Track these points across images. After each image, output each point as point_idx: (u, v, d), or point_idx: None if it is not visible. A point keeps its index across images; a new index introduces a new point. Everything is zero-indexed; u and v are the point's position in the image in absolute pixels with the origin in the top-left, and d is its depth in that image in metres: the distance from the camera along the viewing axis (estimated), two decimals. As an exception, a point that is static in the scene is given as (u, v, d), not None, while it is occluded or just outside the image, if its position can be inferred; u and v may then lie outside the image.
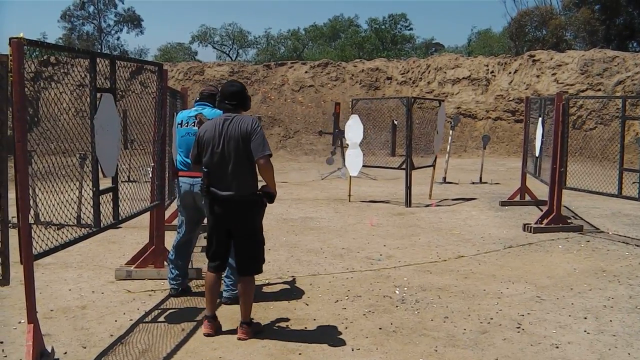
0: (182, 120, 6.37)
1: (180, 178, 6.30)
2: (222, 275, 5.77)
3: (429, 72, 30.12)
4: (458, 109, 27.91)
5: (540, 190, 12.55)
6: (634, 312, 6.09)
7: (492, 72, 28.88)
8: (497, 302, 6.37)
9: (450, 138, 17.57)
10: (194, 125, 6.23)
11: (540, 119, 11.50)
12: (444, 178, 16.95)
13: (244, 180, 5.13)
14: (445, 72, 29.66)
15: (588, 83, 25.32)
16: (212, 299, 5.43)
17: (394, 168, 13.84)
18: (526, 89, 26.69)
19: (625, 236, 9.85)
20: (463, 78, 29.12)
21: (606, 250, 8.88)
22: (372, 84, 30.59)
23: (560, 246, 9.05)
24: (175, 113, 7.25)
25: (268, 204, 5.27)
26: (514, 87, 27.44)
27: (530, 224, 10.22)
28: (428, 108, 24.59)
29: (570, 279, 7.32)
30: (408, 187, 12.82)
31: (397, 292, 6.70)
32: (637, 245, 9.16)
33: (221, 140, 5.12)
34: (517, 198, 12.99)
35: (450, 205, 12.95)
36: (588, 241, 9.43)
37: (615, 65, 25.20)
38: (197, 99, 6.53)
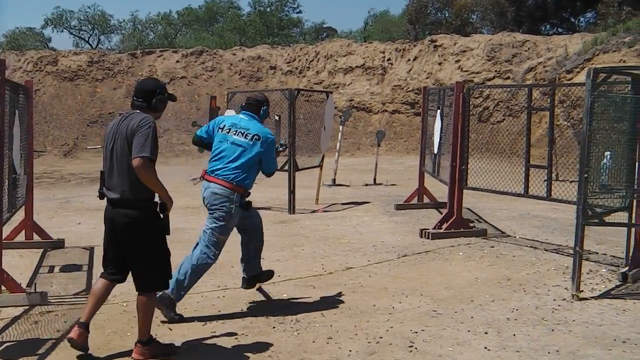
0: (224, 124, 6.81)
1: (203, 181, 6.73)
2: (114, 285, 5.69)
3: (318, 60, 30.42)
4: (351, 101, 28.29)
5: (441, 191, 12.82)
6: (540, 325, 6.27)
7: (389, 59, 29.50)
8: (388, 318, 6.40)
9: (340, 134, 17.74)
10: (234, 134, 6.66)
11: (438, 111, 11.75)
12: (334, 180, 17.07)
13: (130, 183, 5.23)
14: (336, 61, 30.03)
15: (496, 70, 26.27)
16: (93, 307, 5.49)
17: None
18: (427, 78, 27.41)
19: (533, 240, 10.21)
20: (356, 67, 29.59)
21: (512, 256, 9.14)
22: (254, 75, 30.56)
23: (460, 253, 9.25)
24: (17, 111, 7.29)
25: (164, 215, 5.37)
26: (414, 76, 28.11)
27: (428, 229, 10.40)
28: (317, 101, 24.75)
29: (471, 289, 7.47)
30: (291, 192, 12.80)
31: (275, 311, 6.65)
32: (546, 250, 9.50)
33: (112, 138, 5.34)
34: (415, 200, 13.23)
35: (339, 211, 13.02)
36: (492, 247, 9.69)
37: (526, 51, 26.26)
38: (242, 104, 7.01)
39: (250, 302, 6.96)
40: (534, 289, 7.50)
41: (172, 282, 6.07)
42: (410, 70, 28.43)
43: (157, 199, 5.37)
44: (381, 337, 5.86)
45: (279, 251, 9.41)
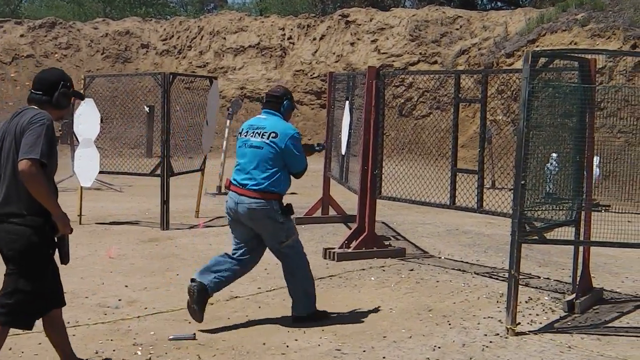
0: (243, 129, 7.59)
1: (229, 192, 7.48)
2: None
3: (202, 37, 30.27)
4: (242, 89, 28.25)
5: (351, 201, 12.88)
6: (467, 365, 6.34)
7: (290, 38, 29.59)
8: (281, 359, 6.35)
9: (227, 131, 17.64)
10: (252, 136, 7.37)
11: (347, 102, 11.78)
12: (219, 188, 16.95)
13: (18, 191, 5.23)
14: (224, 38, 29.96)
15: (420, 53, 26.68)
16: None
17: (146, 174, 13.58)
18: (336, 61, 27.62)
19: (461, 261, 10.36)
20: (250, 47, 29.57)
21: (435, 281, 9.23)
22: (121, 55, 30.20)
23: (372, 278, 9.29)
24: None
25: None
26: (320, 59, 28.28)
27: (333, 248, 10.44)
28: (201, 89, 24.59)
29: (384, 323, 7.49)
30: (164, 202, 12.64)
31: (139, 352, 6.53)
32: (477, 274, 9.65)
33: (1, 139, 5.38)
34: (318, 213, 13.26)
35: (225, 226, 12.80)
36: (411, 270, 9.77)
37: (457, 29, 26.77)
38: (263, 102, 7.77)
39: (108, 340, 6.81)
40: (461, 322, 7.57)
41: (306, 306, 7.52)
42: (316, 52, 28.60)
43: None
44: (270, 385, 5.81)
45: (148, 277, 9.26)
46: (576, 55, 8.08)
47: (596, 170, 13.94)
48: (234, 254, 7.62)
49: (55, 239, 5.39)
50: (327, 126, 13.81)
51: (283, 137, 7.22)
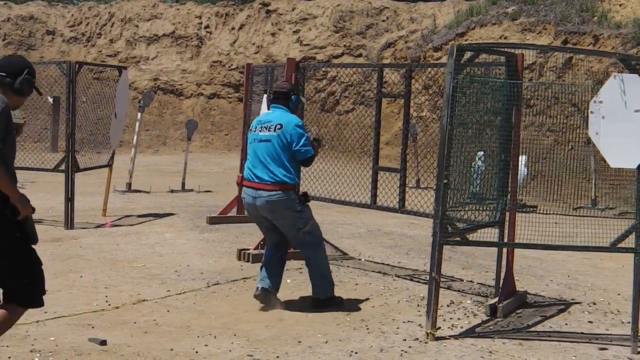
0: (253, 126, 8.30)
1: (244, 188, 8.20)
2: None
3: (113, 24, 29.97)
4: (155, 81, 28.04)
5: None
6: (384, 371, 6.40)
7: (207, 27, 29.47)
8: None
9: (138, 124, 17.50)
10: (260, 131, 8.04)
11: (265, 96, 11.79)
12: (129, 185, 16.86)
13: None
14: (137, 26, 29.70)
15: (345, 45, 26.79)
16: None
17: (49, 170, 13.39)
18: (256, 52, 27.59)
19: (382, 263, 10.45)
20: (164, 35, 29.37)
21: (354, 284, 9.33)
22: (24, 42, 29.71)
23: (289, 280, 9.30)
24: None
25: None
26: (239, 50, 28.22)
27: (248, 249, 10.45)
28: (111, 79, 24.33)
29: (300, 327, 7.52)
30: (69, 200, 12.51)
31: (36, 359, 6.45)
32: (398, 276, 9.75)
33: None
34: (234, 212, 13.24)
35: (134, 225, 12.85)
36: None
37: (384, 21, 26.92)
38: (270, 97, 8.68)
39: (3, 346, 6.70)
40: (380, 326, 7.64)
41: (324, 289, 8.30)
42: (234, 42, 28.52)
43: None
44: (177, 392, 5.80)
45: (49, 279, 8.92)
46: (503, 49, 8.19)
47: (523, 170, 14.23)
48: (272, 246, 8.42)
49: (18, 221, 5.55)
50: (244, 121, 13.78)
51: (288, 127, 7.93)
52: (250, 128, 8.34)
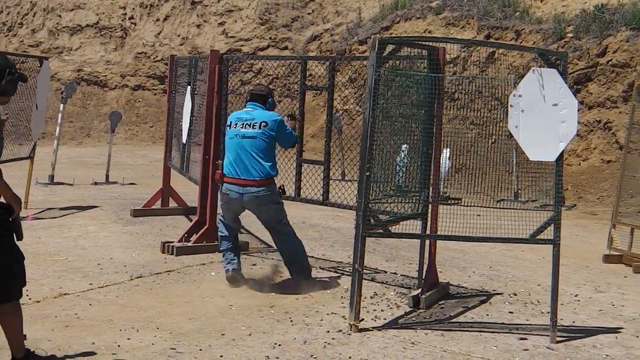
0: (231, 122, 8.81)
1: (226, 184, 8.67)
2: None
3: (35, 14, 29.51)
4: (79, 72, 27.74)
5: (194, 192, 12.84)
6: (308, 363, 6.43)
7: (132, 18, 29.20)
8: (110, 360, 6.31)
9: (60, 116, 17.28)
10: (242, 128, 8.57)
11: (189, 88, 11.74)
12: (51, 177, 16.67)
13: None
14: (59, 16, 29.31)
15: (271, 38, 26.75)
16: None
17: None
18: (181, 44, 27.44)
19: (307, 256, 10.44)
20: (87, 26, 29.03)
21: (278, 275, 9.38)
22: (-58, 30, 29.09)
23: (213, 273, 9.34)
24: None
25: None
26: (164, 41, 28.03)
27: (172, 242, 10.40)
28: (33, 70, 24.00)
29: (224, 320, 7.53)
30: (-11, 191, 12.30)
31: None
32: (322, 268, 9.81)
33: None
34: (158, 205, 13.17)
35: (56, 218, 12.71)
36: (254, 265, 9.90)
37: (309, 14, 26.93)
38: (247, 98, 8.90)
39: None
40: (304, 318, 7.69)
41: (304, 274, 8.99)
42: (159, 34, 28.31)
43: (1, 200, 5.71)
44: (99, 386, 5.76)
45: None
46: (425, 43, 8.27)
47: (447, 163, 14.36)
48: (233, 233, 9.08)
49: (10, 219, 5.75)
50: (167, 113, 13.71)
51: (273, 124, 8.57)
52: (229, 124, 8.81)
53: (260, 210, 8.75)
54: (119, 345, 6.67)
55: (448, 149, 12.75)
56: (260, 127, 8.54)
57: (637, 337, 7.65)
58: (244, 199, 8.54)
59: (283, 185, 9.04)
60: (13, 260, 5.93)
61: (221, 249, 9.10)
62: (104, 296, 8.23)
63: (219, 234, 9.16)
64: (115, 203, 14.23)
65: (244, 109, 8.89)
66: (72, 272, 9.16)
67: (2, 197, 5.76)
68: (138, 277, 9.04)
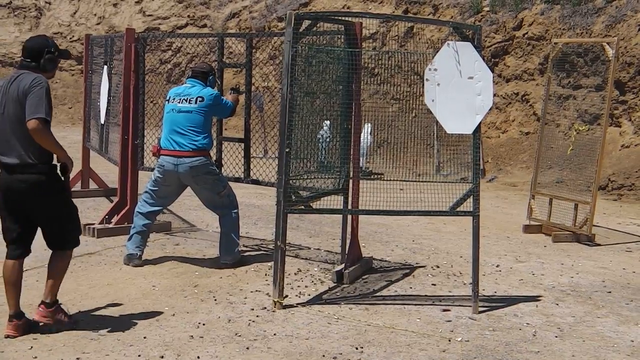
0: (169, 97, 9.00)
1: (162, 157, 8.83)
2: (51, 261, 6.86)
3: (-55, -6, 28.87)
4: (-8, 53, 27.22)
5: (115, 173, 12.71)
6: (232, 342, 6.43)
7: (46, -2, 28.74)
8: (31, 345, 6.26)
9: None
10: (179, 103, 8.78)
11: (106, 68, 11.61)
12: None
13: (28, 147, 6.33)
14: (-30, -4, 28.71)
15: (189, 16, 26.57)
16: (16, 293, 6.60)
17: None
18: (98, 23, 27.15)
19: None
20: (1, 6, 28.51)
21: (202, 255, 9.38)
22: None
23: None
24: None
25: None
26: (80, 20, 27.69)
27: (93, 224, 10.34)
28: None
29: (146, 301, 7.51)
30: None
31: None
32: (246, 247, 9.87)
33: (2, 103, 6.43)
34: (78, 186, 13.03)
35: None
36: (177, 245, 9.88)
37: (227, -10, 26.78)
38: (189, 75, 9.15)
39: None
40: (227, 297, 7.70)
41: (235, 255, 9.01)
42: (75, 13, 27.94)
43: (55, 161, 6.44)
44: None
45: None
46: (341, 18, 8.28)
47: (369, 138, 14.44)
48: (148, 210, 9.09)
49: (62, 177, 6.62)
50: (84, 93, 13.55)
51: (209, 99, 8.76)
52: (168, 98, 8.99)
53: (196, 182, 8.85)
54: (40, 331, 6.59)
55: (369, 125, 12.85)
56: (196, 102, 8.73)
57: (557, 304, 7.83)
58: (178, 170, 8.65)
59: (219, 158, 9.42)
60: (74, 210, 6.84)
61: (132, 230, 9.10)
62: (23, 280, 8.10)
63: (137, 209, 9.20)
64: (32, 187, 14.00)
65: (183, 85, 9.09)
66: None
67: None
68: (57, 261, 8.93)
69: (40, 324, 6.58)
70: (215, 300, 7.59)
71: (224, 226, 9.06)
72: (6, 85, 6.44)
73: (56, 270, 6.70)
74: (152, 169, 10.35)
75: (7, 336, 6.42)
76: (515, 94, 18.67)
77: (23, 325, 6.52)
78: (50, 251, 6.76)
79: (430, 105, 7.48)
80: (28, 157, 6.35)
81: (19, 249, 6.64)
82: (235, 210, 9.14)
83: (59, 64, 6.76)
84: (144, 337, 6.47)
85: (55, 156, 6.45)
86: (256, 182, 9.52)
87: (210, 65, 9.45)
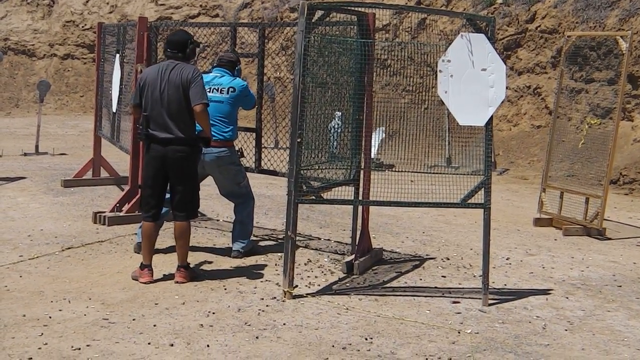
0: None
1: None
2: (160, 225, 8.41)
3: (-41, -19, 28.90)
4: (5, 41, 27.32)
5: (126, 162, 12.74)
6: (241, 332, 6.44)
7: (59, -14, 28.75)
8: (42, 332, 6.25)
9: (-11, 85, 17.08)
10: (209, 92, 8.47)
11: (118, 56, 11.62)
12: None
13: (182, 124, 7.65)
14: (-16, -16, 28.73)
15: (201, 6, 26.54)
16: (151, 249, 7.89)
17: None
18: (110, 12, 27.14)
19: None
20: (14, -6, 28.55)
21: (212, 245, 9.40)
22: None
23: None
24: None
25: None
26: (92, 9, 27.69)
27: (104, 212, 10.35)
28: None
29: (156, 290, 7.52)
30: None
31: None
32: (256, 236, 9.83)
33: (163, 85, 7.63)
34: (89, 175, 13.07)
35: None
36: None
37: (240, -19, 26.76)
38: (215, 64, 9.22)
39: None
40: (238, 286, 7.71)
41: (248, 245, 9.11)
42: (87, 2, 27.95)
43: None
44: (30, 358, 5.71)
45: None
46: (353, 8, 8.25)
47: (381, 132, 14.42)
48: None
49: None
50: (96, 82, 13.57)
51: (239, 89, 8.92)
52: None
53: (220, 171, 8.90)
54: (50, 317, 6.62)
55: (382, 129, 12.81)
56: (227, 93, 8.84)
57: (567, 298, 7.81)
58: (205, 159, 8.57)
59: (242, 148, 9.39)
60: (198, 186, 8.05)
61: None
62: (35, 268, 8.16)
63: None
64: (45, 174, 14.08)
65: (212, 73, 9.06)
66: (2, 244, 9.05)
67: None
68: (69, 248, 8.97)
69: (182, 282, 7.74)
70: (225, 289, 7.61)
71: (239, 214, 9.12)
72: (164, 72, 7.65)
73: (182, 239, 7.83)
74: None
75: (146, 282, 7.68)
76: (527, 87, 18.61)
77: (152, 274, 7.80)
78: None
79: (443, 96, 7.46)
80: (180, 132, 7.60)
81: (154, 215, 7.81)
82: (252, 201, 9.25)
83: (196, 56, 7.93)
84: (154, 325, 6.49)
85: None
86: (267, 172, 9.55)
87: (238, 55, 9.59)
